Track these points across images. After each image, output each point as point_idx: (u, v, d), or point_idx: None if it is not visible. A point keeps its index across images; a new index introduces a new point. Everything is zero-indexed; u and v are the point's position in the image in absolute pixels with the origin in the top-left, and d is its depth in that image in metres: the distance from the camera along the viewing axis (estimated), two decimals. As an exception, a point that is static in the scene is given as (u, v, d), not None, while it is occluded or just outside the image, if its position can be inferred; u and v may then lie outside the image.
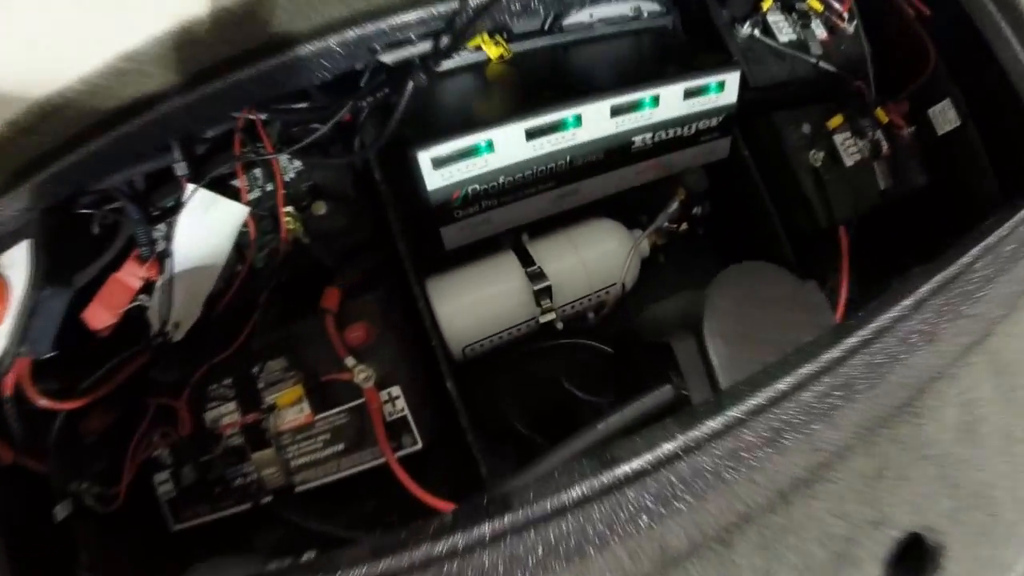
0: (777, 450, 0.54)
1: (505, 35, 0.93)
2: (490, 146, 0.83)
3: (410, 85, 0.80)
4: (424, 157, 0.81)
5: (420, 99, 0.83)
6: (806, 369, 0.60)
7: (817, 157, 1.02)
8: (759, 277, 0.75)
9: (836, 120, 1.05)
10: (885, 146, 1.06)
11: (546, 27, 0.96)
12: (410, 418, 0.80)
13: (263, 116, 0.81)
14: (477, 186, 0.85)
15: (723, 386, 0.69)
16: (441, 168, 0.83)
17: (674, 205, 0.92)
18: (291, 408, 0.78)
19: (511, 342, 0.98)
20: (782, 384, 0.59)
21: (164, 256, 0.78)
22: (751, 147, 1.02)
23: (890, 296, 0.63)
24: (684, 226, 1.00)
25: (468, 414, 0.86)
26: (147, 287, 0.77)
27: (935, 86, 1.07)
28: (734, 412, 0.56)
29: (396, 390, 0.80)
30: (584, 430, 0.71)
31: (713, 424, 0.55)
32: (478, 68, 0.93)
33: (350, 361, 0.77)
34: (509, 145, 0.84)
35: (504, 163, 0.85)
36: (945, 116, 1.08)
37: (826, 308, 0.77)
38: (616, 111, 0.86)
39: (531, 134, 0.84)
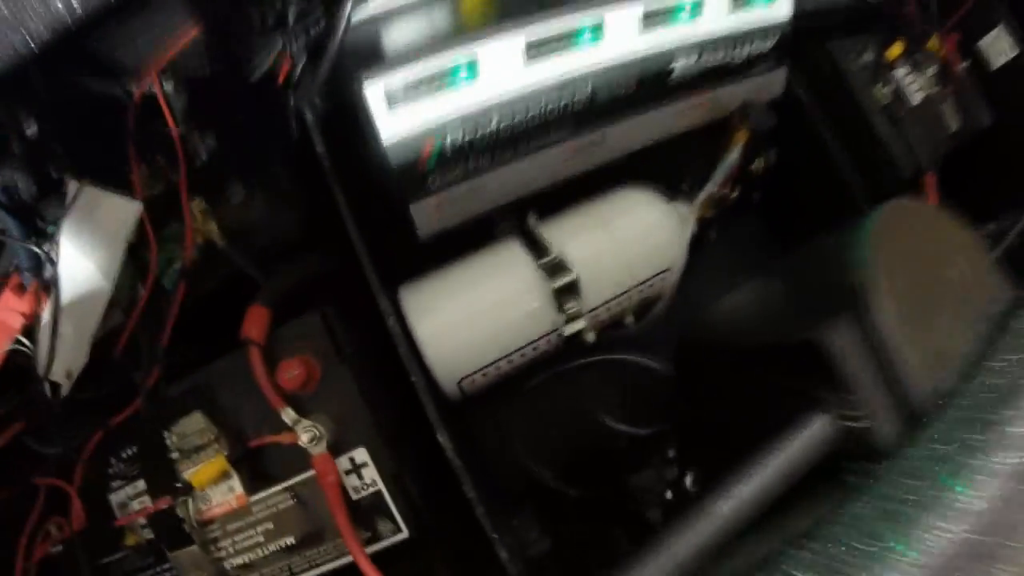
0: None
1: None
2: (472, 70, 0.54)
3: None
4: (374, 90, 0.52)
5: (375, 38, 0.55)
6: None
7: (885, 93, 0.78)
8: (924, 220, 0.48)
9: (896, 48, 0.82)
10: (947, 83, 0.85)
11: None
12: (386, 494, 0.57)
13: (167, 86, 0.61)
14: (459, 135, 0.56)
15: (918, 398, 0.40)
16: (401, 106, 0.53)
17: (734, 155, 0.65)
18: (216, 487, 0.57)
19: (525, 367, 0.67)
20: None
21: (50, 283, 0.58)
22: (805, 85, 0.77)
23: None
24: (736, 192, 0.73)
25: (474, 476, 0.57)
26: (29, 325, 0.58)
27: (984, 13, 0.89)
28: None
29: (362, 453, 0.57)
30: (693, 514, 0.40)
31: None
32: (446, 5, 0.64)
33: (289, 415, 0.55)
34: (501, 68, 0.55)
35: (496, 97, 0.56)
36: (998, 46, 0.90)
37: (997, 267, 0.50)
38: (650, 18, 0.59)
39: (533, 51, 0.55)
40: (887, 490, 0.37)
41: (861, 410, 0.41)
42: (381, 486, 0.57)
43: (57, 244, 0.61)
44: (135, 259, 0.64)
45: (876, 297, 0.41)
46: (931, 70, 0.85)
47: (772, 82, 0.72)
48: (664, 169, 0.73)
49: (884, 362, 0.41)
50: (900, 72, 0.83)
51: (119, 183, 0.64)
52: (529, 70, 0.56)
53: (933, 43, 0.86)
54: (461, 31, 0.61)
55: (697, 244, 0.76)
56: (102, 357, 0.62)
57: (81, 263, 0.61)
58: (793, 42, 0.73)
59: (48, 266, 0.60)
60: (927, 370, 0.40)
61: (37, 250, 0.61)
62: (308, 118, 0.60)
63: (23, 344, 0.58)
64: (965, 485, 0.34)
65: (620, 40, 0.59)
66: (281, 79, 0.60)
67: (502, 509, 0.70)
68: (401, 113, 0.54)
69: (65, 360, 0.61)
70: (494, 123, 0.56)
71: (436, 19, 0.62)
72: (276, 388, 0.56)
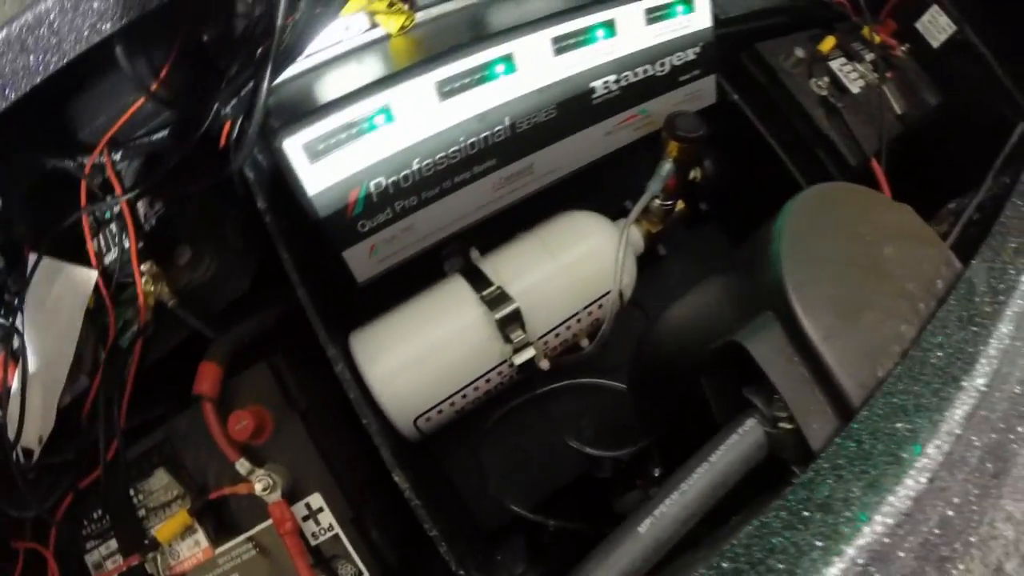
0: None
1: (408, 4, 0.66)
2: (388, 114, 0.53)
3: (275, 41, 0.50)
4: (292, 145, 0.51)
5: (303, 95, 0.54)
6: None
7: (821, 84, 0.75)
8: (845, 203, 0.44)
9: (828, 43, 0.80)
10: (887, 69, 0.82)
11: None
12: (344, 538, 0.56)
13: (116, 155, 0.60)
14: (382, 179, 0.54)
15: (851, 393, 0.36)
16: (322, 158, 0.52)
17: (667, 165, 0.62)
18: (183, 541, 0.57)
19: (482, 400, 0.64)
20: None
21: (17, 353, 0.59)
22: (740, 89, 0.75)
23: None
24: (681, 204, 0.70)
25: (438, 514, 0.55)
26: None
27: (917, -4, 0.86)
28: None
29: (317, 499, 0.56)
30: (613, 538, 0.37)
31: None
32: (376, 48, 0.64)
33: (243, 466, 0.54)
34: (416, 109, 0.54)
35: (414, 138, 0.54)
36: (936, 24, 0.88)
37: (939, 239, 0.46)
38: (561, 44, 0.58)
39: (446, 89, 0.54)
40: (810, 493, 0.33)
41: (789, 411, 0.37)
42: (339, 530, 0.55)
43: (21, 315, 0.61)
44: (95, 323, 0.64)
45: (794, 292, 0.38)
46: (869, 57, 0.82)
47: (702, 91, 0.70)
48: (612, 187, 0.71)
49: (808, 359, 0.37)
50: (836, 64, 0.80)
51: (75, 252, 0.64)
52: (444, 108, 0.55)
53: (867, 32, 0.84)
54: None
55: (649, 262, 0.73)
56: (69, 420, 0.62)
57: (44, 332, 0.62)
58: (721, 49, 0.71)
59: (14, 337, 0.60)
60: (856, 362, 0.37)
61: (4, 322, 0.61)
62: (248, 176, 0.59)
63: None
64: (889, 486, 0.30)
65: (534, 68, 0.57)
66: (223, 141, 0.60)
67: (476, 546, 0.66)
68: (322, 164, 0.53)
69: (35, 426, 0.60)
70: (415, 163, 0.55)
71: (367, 65, 0.61)
72: (229, 440, 0.55)
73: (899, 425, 0.31)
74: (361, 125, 0.52)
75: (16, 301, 0.63)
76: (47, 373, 0.61)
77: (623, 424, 0.71)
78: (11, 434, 0.59)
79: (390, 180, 0.54)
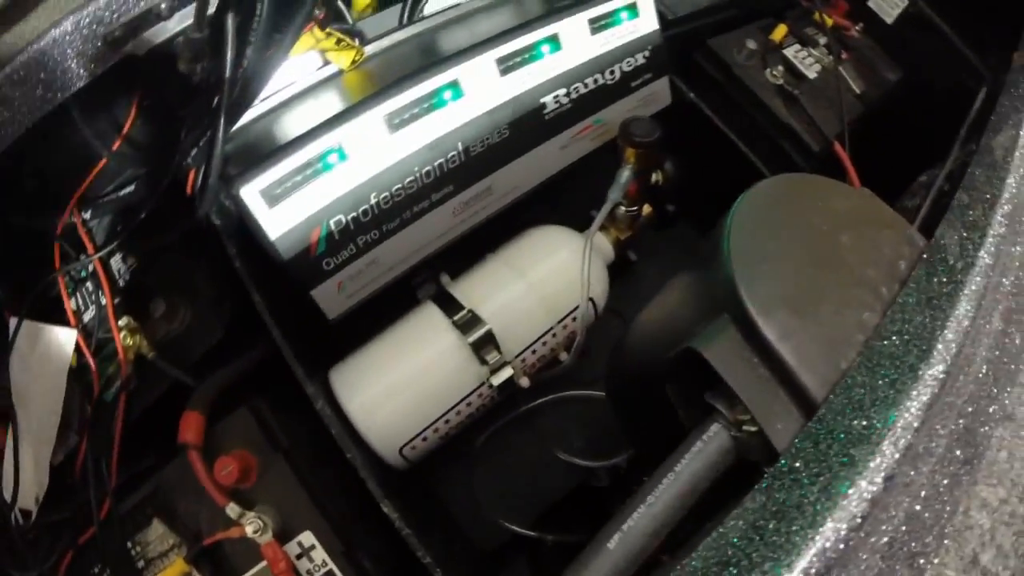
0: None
1: (356, 39, 0.66)
2: (341, 153, 0.52)
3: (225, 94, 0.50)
4: (249, 192, 0.50)
5: (262, 138, 0.54)
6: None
7: (776, 74, 0.74)
8: (796, 195, 0.43)
9: (780, 31, 0.79)
10: (842, 51, 0.81)
11: (404, 19, 0.69)
12: (338, 573, 0.55)
13: (86, 214, 0.61)
14: (341, 216, 0.54)
15: (814, 389, 0.35)
16: (280, 202, 0.52)
17: (626, 172, 0.61)
18: None
19: (466, 424, 0.63)
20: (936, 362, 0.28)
21: (7, 416, 0.58)
22: (696, 88, 0.74)
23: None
24: (648, 209, 0.69)
25: (428, 539, 0.54)
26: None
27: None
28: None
29: (308, 537, 0.55)
30: (593, 547, 0.36)
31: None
32: (331, 84, 0.64)
33: (234, 510, 0.54)
34: (368, 145, 0.53)
35: (369, 172, 0.54)
36: (888, 0, 0.86)
37: (900, 219, 0.45)
38: (506, 64, 0.57)
39: (396, 121, 0.54)
40: (766, 499, 0.32)
41: (751, 413, 0.36)
42: (332, 565, 0.55)
43: (8, 379, 0.61)
44: (79, 381, 0.64)
45: (746, 291, 0.36)
46: (822, 41, 0.81)
47: (656, 93, 0.69)
48: (578, 198, 0.70)
49: (767, 359, 0.36)
50: (790, 51, 0.79)
51: (55, 311, 0.64)
52: (395, 140, 0.54)
53: (818, 15, 0.83)
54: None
55: (622, 269, 0.72)
56: (65, 477, 0.61)
57: (31, 394, 0.61)
58: (673, 50, 0.70)
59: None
60: (817, 356, 0.35)
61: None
62: (216, 223, 0.59)
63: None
64: (843, 489, 0.29)
65: (482, 91, 0.57)
66: (188, 189, 0.60)
67: (474, 569, 0.65)
68: (281, 208, 0.52)
69: (30, 487, 0.60)
70: (373, 198, 0.54)
71: (323, 102, 0.61)
72: (217, 486, 0.54)
73: (855, 422, 0.30)
74: (316, 166, 0.52)
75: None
76: (37, 434, 0.61)
77: (613, 432, 0.69)
78: (7, 495, 0.59)
79: (349, 217, 0.54)
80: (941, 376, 0.31)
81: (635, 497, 0.36)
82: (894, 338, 0.34)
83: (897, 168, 0.83)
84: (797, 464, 0.29)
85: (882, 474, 0.26)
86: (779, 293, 0.37)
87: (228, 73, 0.51)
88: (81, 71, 0.47)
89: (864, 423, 0.29)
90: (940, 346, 0.32)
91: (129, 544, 0.59)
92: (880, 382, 0.32)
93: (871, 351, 0.34)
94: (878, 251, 0.41)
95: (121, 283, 0.65)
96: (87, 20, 0.41)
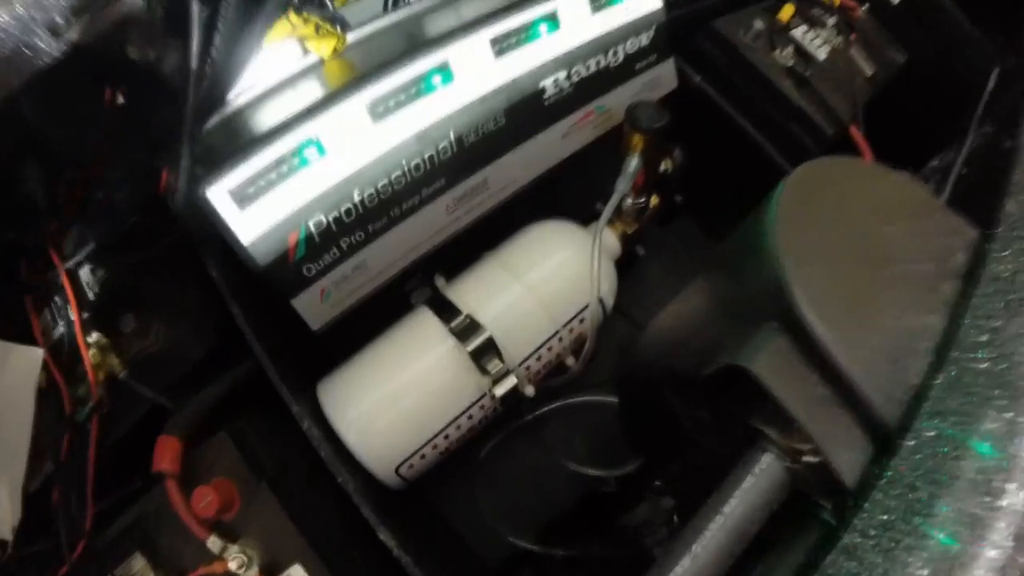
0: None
1: (338, 26, 0.60)
2: (319, 146, 0.46)
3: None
4: (217, 192, 0.44)
5: (233, 134, 0.48)
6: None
7: (786, 55, 0.69)
8: (838, 182, 0.37)
9: (787, 10, 0.74)
10: (851, 32, 0.76)
11: (389, 5, 0.63)
12: None
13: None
14: (322, 216, 0.47)
15: (882, 410, 0.29)
16: (252, 203, 0.45)
17: (634, 160, 0.56)
18: None
19: (467, 438, 0.57)
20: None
21: None
22: (702, 71, 0.69)
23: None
24: (655, 200, 0.64)
25: (428, 564, 0.49)
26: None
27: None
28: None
29: (298, 570, 0.49)
30: None
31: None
32: (310, 74, 0.57)
33: (215, 544, 0.49)
34: (349, 136, 0.47)
35: (351, 167, 0.48)
36: None
37: (943, 206, 0.40)
38: (501, 45, 0.51)
39: (379, 110, 0.48)
40: (854, 537, 0.27)
41: (811, 441, 0.30)
42: (325, 599, 0.49)
43: None
44: (50, 402, 0.57)
45: (802, 295, 0.31)
46: (831, 21, 0.76)
47: (662, 77, 0.63)
48: (581, 190, 0.64)
49: (825, 374, 0.30)
50: (798, 32, 0.74)
51: (22, 327, 0.58)
52: (379, 130, 0.48)
53: (825, -7, 0.78)
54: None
55: (629, 265, 0.67)
56: (44, 506, 0.55)
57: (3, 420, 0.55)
58: (677, 31, 0.65)
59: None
60: (882, 369, 0.30)
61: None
62: (191, 228, 0.53)
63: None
64: (944, 528, 0.24)
65: (475, 75, 0.51)
66: (160, 189, 0.53)
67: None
68: (254, 209, 0.46)
69: (4, 515, 0.54)
70: (356, 195, 0.48)
71: (300, 94, 0.54)
72: (196, 518, 0.48)
73: (945, 450, 0.24)
74: (291, 161, 0.46)
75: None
76: (7, 460, 0.55)
77: (620, 437, 0.64)
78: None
79: (331, 217, 0.48)
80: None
81: (677, 544, 0.30)
82: (984, 351, 0.29)
83: (906, 151, 0.79)
84: (881, 515, 0.24)
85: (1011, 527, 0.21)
86: (836, 295, 0.31)
87: (195, 64, 0.44)
88: (21, 65, 0.40)
89: (956, 453, 0.24)
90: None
91: (109, 576, 0.53)
92: (975, 403, 0.27)
93: (953, 364, 0.29)
94: (929, 243, 0.36)
95: (91, 295, 0.58)
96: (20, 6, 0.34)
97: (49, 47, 0.37)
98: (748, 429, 0.35)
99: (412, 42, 0.57)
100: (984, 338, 0.28)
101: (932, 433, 0.28)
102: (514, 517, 0.64)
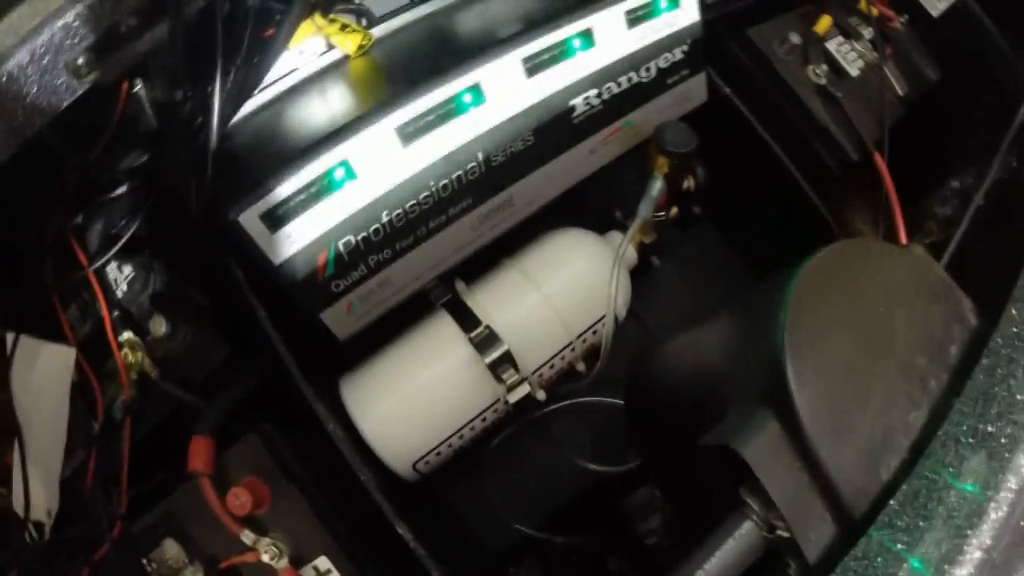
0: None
1: (364, 21, 0.57)
2: (348, 169, 0.46)
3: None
4: (250, 218, 0.44)
5: (260, 138, 0.47)
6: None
7: (819, 72, 0.67)
8: (854, 268, 0.38)
9: (824, 22, 0.71)
10: (886, 45, 0.73)
11: None
12: None
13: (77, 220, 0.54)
14: (350, 236, 0.48)
15: (851, 502, 0.32)
16: (283, 226, 0.46)
17: (658, 184, 0.56)
18: None
19: (480, 437, 0.60)
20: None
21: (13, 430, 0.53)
22: (731, 82, 0.67)
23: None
24: (675, 210, 0.64)
25: (442, 556, 0.53)
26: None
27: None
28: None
29: (324, 562, 0.54)
30: None
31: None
32: (335, 73, 0.56)
33: (248, 537, 0.52)
34: (378, 160, 0.47)
35: (380, 189, 0.48)
36: None
37: (953, 289, 0.40)
38: (533, 63, 0.50)
39: (409, 131, 0.47)
40: None
41: (785, 520, 0.33)
42: (349, 587, 0.53)
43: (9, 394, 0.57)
44: (84, 396, 0.60)
45: (797, 386, 0.33)
46: (867, 34, 0.73)
47: (692, 90, 0.62)
48: (600, 198, 0.64)
49: (807, 463, 0.33)
50: (833, 44, 0.71)
51: (52, 324, 0.59)
52: (409, 153, 0.48)
53: (864, 4, 0.74)
54: (355, 97, 0.53)
55: (643, 271, 0.67)
56: (77, 494, 0.58)
57: (35, 410, 0.57)
58: (709, 40, 0.62)
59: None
60: (858, 465, 0.32)
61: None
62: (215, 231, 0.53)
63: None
64: None
65: (506, 95, 0.50)
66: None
67: (485, 573, 0.65)
68: (285, 232, 0.46)
69: (41, 500, 0.57)
70: (384, 216, 0.48)
71: (327, 98, 0.53)
72: (230, 515, 0.52)
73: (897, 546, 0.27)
74: (320, 184, 0.46)
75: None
76: (44, 451, 0.58)
77: (623, 437, 0.68)
78: (19, 511, 0.57)
79: (359, 237, 0.48)
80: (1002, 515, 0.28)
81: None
82: (939, 452, 0.31)
83: (927, 168, 0.78)
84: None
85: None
86: (830, 392, 0.33)
87: (218, 93, 0.43)
88: (44, 106, 0.39)
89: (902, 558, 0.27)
90: (1012, 479, 0.29)
91: (145, 561, 0.57)
92: (923, 520, 0.29)
93: (919, 476, 0.31)
94: (929, 332, 0.37)
95: (119, 294, 0.59)
96: (42, 49, 0.33)
97: (71, 87, 0.36)
98: (735, 496, 0.37)
99: (440, 40, 0.56)
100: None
101: (877, 543, 0.30)
102: (520, 505, 0.68)
